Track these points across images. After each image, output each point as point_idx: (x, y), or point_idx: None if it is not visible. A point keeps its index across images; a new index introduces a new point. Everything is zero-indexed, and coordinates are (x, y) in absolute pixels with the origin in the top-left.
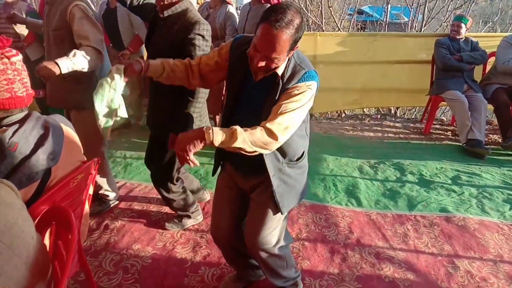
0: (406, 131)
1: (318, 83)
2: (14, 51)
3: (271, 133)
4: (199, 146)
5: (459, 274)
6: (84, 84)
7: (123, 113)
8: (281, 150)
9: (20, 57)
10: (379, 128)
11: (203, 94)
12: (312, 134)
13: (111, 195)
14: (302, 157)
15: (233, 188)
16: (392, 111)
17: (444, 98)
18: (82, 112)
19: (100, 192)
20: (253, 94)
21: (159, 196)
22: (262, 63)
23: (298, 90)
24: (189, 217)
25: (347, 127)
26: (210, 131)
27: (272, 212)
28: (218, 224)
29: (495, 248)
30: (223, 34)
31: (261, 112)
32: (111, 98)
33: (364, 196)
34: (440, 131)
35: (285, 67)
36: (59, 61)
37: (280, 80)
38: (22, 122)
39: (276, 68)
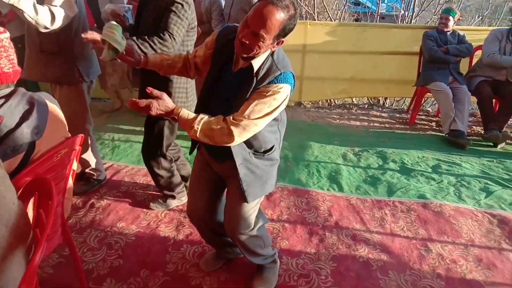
0: (392, 121)
1: (293, 86)
2: (1, 29)
3: (229, 134)
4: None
5: (431, 256)
6: (62, 58)
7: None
8: (247, 141)
9: (7, 34)
10: (365, 118)
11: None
12: (299, 122)
13: (97, 174)
14: (271, 151)
15: (208, 170)
16: (381, 102)
17: (430, 89)
18: (65, 88)
19: (86, 171)
20: (228, 86)
21: (145, 178)
22: (247, 40)
23: (270, 92)
24: (173, 197)
25: (334, 116)
26: (179, 110)
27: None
28: (194, 205)
29: (468, 233)
30: (208, 19)
31: (233, 105)
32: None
33: (346, 182)
34: (424, 122)
35: (262, 63)
36: None
37: (255, 77)
38: (8, 97)
39: (256, 54)
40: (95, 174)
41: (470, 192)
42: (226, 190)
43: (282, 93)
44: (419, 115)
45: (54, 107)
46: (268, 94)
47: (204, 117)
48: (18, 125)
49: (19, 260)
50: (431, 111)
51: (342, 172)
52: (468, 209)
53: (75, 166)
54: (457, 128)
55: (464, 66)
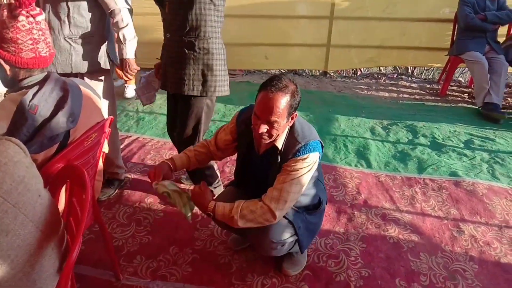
0: (422, 92)
1: (320, 151)
2: (38, 9)
3: (270, 211)
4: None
5: (463, 238)
6: (94, 44)
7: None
8: (297, 203)
9: (43, 16)
10: (394, 88)
11: (216, 45)
12: (325, 93)
13: (121, 172)
14: (321, 205)
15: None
16: (409, 71)
17: (464, 59)
18: (92, 76)
19: (109, 170)
20: (257, 166)
21: (171, 152)
22: (264, 129)
23: (295, 165)
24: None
25: (361, 86)
26: (213, 204)
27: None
28: None
29: (502, 214)
30: None
31: (266, 182)
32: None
33: (374, 158)
34: (456, 93)
35: (284, 140)
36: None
37: (279, 156)
38: (41, 83)
39: (276, 137)
40: (118, 172)
41: (505, 169)
42: None
43: (307, 163)
44: (450, 85)
45: (89, 93)
46: (294, 167)
47: (240, 204)
48: (54, 114)
49: (48, 253)
50: (463, 81)
51: (370, 147)
52: (502, 188)
53: (105, 148)
54: (491, 101)
55: (502, 33)
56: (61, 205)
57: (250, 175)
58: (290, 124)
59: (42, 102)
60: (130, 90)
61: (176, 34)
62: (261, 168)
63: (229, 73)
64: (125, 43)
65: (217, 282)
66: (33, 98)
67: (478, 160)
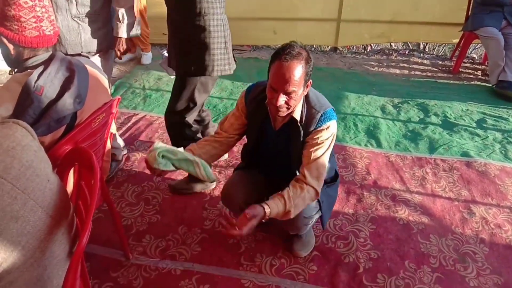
0: (434, 69)
1: (336, 119)
2: None
3: (314, 191)
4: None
5: (474, 220)
6: (100, 23)
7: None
8: None
9: None
10: (406, 65)
11: (213, 22)
12: (335, 70)
13: (118, 153)
14: (337, 176)
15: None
16: (421, 47)
17: (478, 35)
18: (98, 55)
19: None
20: (274, 142)
21: None
22: (282, 101)
23: (320, 135)
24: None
25: (372, 63)
26: (268, 211)
27: None
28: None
29: None
30: None
31: (289, 157)
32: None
33: (385, 137)
34: (470, 70)
35: (301, 111)
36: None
37: (300, 127)
38: (47, 63)
39: (294, 107)
40: (115, 153)
41: None
42: None
43: (330, 132)
44: (463, 62)
45: (95, 72)
46: (320, 138)
47: (289, 195)
48: (60, 95)
49: (58, 238)
50: (476, 57)
51: (381, 126)
52: None
53: (113, 128)
54: (506, 78)
55: None
56: (70, 187)
57: (265, 154)
58: (305, 93)
59: (48, 83)
60: (146, 57)
61: (173, 11)
62: (278, 143)
63: (236, 49)
64: (122, 22)
65: (226, 262)
66: (38, 78)
67: (490, 140)
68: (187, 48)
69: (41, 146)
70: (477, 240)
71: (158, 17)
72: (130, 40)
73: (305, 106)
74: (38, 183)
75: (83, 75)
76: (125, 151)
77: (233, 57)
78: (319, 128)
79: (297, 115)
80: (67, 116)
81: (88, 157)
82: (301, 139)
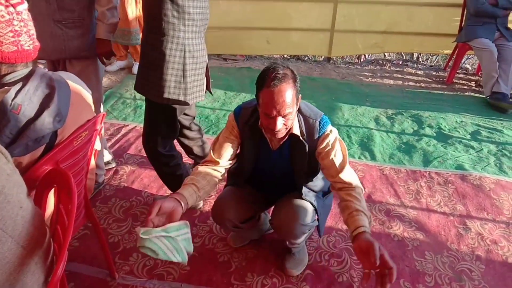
0: (428, 79)
1: (329, 121)
2: None
3: (360, 188)
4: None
5: (469, 236)
6: (84, 27)
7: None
8: (312, 185)
9: (25, 5)
10: (399, 76)
11: (172, 45)
12: (329, 80)
13: (100, 174)
14: (330, 193)
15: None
16: (415, 57)
17: (472, 47)
18: (83, 62)
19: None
20: (274, 162)
21: None
22: (280, 125)
23: (328, 140)
24: None
25: (366, 73)
26: (367, 234)
27: None
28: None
29: (509, 210)
30: None
31: (290, 173)
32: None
33: (379, 150)
34: (463, 81)
35: (299, 125)
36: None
37: (303, 141)
38: (25, 80)
39: (291, 126)
40: (97, 173)
41: None
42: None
43: (334, 134)
44: (457, 73)
45: (78, 88)
46: (330, 143)
47: (359, 207)
48: (39, 113)
49: (31, 269)
50: (469, 68)
51: (375, 138)
52: (510, 182)
53: (97, 145)
54: (499, 90)
55: None
56: (50, 209)
57: (261, 173)
58: (297, 108)
59: (26, 101)
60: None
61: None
62: (278, 162)
63: (229, 58)
64: (103, 22)
65: (215, 282)
66: (16, 96)
67: (485, 152)
68: (145, 68)
69: (16, 169)
70: (473, 257)
71: None
72: (116, 44)
73: (301, 118)
74: (9, 210)
75: (64, 91)
76: (113, 164)
77: (202, 89)
78: (323, 134)
79: (296, 130)
80: (46, 135)
81: (66, 179)
82: (307, 151)
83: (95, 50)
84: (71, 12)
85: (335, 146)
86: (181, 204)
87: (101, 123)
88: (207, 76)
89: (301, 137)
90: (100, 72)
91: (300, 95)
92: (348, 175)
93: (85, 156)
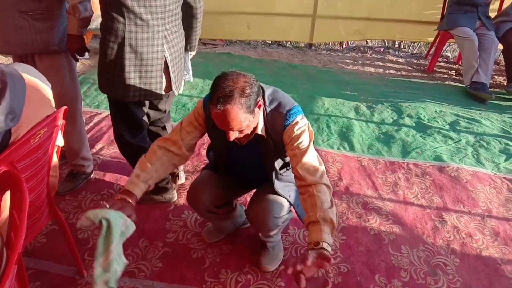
0: (409, 67)
1: (302, 114)
2: None
3: (324, 185)
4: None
5: (445, 229)
6: (54, 19)
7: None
8: (290, 180)
9: None
10: (380, 63)
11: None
12: (310, 68)
13: (87, 165)
14: None
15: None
16: (396, 44)
17: (453, 35)
18: (53, 57)
19: (73, 163)
20: (244, 155)
21: None
22: (235, 136)
23: (292, 132)
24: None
25: (347, 61)
26: (327, 247)
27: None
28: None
29: (485, 202)
30: None
31: (261, 164)
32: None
33: (358, 140)
34: (444, 70)
35: (264, 122)
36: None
37: (268, 138)
38: None
39: (252, 129)
40: (84, 165)
41: (489, 154)
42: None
43: (300, 124)
44: (438, 61)
45: (35, 82)
46: (294, 134)
47: (323, 208)
48: None
49: None
50: (450, 56)
51: (354, 128)
52: (486, 174)
53: (59, 141)
54: (479, 80)
55: (494, 8)
56: (6, 213)
57: (234, 161)
58: (260, 111)
59: None
60: None
61: None
62: (247, 155)
63: (209, 43)
64: (74, 16)
65: (189, 279)
66: None
67: (463, 143)
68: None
69: None
70: (448, 251)
71: None
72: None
73: (267, 114)
74: None
75: (18, 86)
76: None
77: (156, 88)
78: (288, 127)
79: (260, 130)
80: None
81: (17, 182)
82: (273, 146)
83: (66, 44)
84: (38, 2)
85: (301, 138)
86: (130, 203)
87: (63, 118)
88: (168, 74)
89: (265, 136)
90: (74, 66)
91: (260, 99)
92: (310, 171)
93: (46, 154)
